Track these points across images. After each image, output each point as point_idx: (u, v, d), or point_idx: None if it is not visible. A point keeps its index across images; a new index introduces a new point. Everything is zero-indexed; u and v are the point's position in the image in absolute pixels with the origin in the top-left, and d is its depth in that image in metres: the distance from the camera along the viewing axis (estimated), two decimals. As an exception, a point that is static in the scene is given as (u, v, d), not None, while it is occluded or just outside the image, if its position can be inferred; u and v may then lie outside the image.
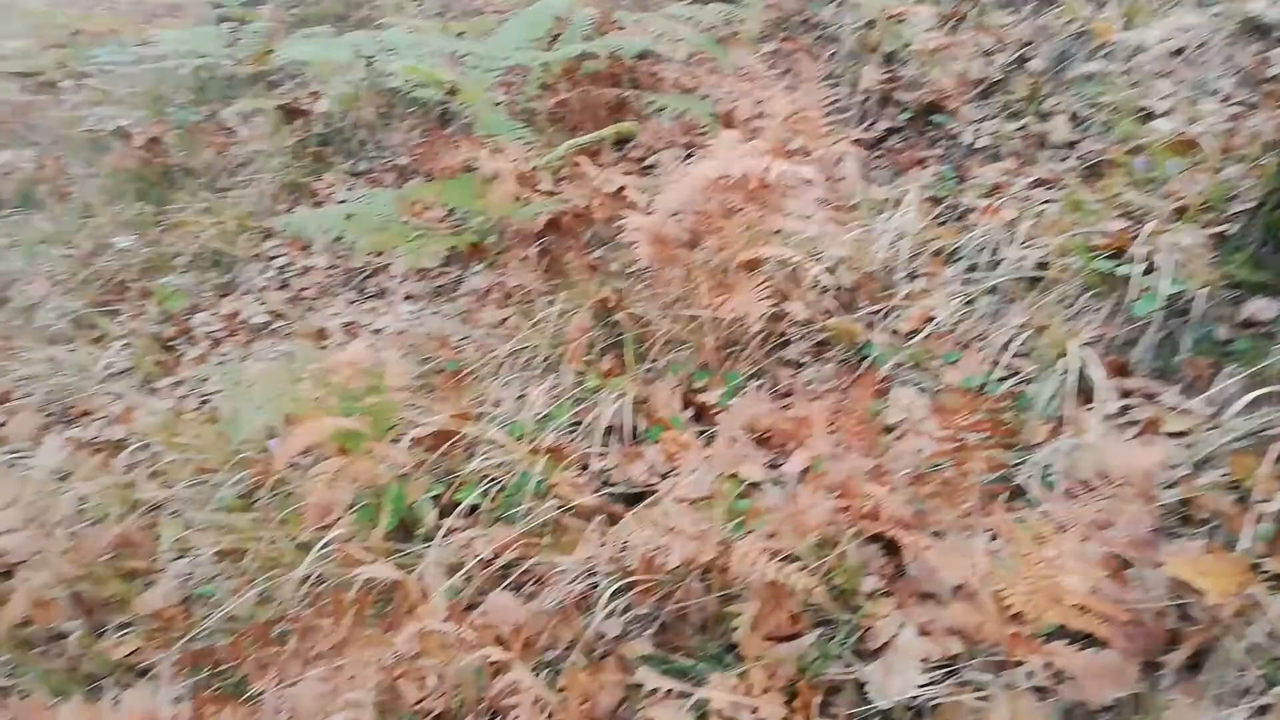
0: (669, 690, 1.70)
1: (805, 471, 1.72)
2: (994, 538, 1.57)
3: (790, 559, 1.74)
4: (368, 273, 3.79)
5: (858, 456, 1.56)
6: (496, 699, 1.61)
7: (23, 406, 3.61)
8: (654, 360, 2.56)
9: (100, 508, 2.71)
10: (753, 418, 1.90)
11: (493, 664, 1.70)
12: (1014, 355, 2.28)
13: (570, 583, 1.94)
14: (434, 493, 2.30)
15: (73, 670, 2.34)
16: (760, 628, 1.74)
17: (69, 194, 4.69)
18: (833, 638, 1.76)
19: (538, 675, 1.75)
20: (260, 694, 1.58)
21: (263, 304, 3.82)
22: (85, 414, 3.48)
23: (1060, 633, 1.53)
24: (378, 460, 2.25)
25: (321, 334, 3.44)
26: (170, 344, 3.74)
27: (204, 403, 3.33)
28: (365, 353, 2.30)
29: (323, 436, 2.10)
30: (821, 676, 1.71)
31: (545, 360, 2.64)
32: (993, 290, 2.49)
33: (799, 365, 2.46)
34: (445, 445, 2.39)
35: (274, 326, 3.70)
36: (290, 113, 4.29)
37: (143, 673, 2.29)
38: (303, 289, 3.86)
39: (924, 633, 1.74)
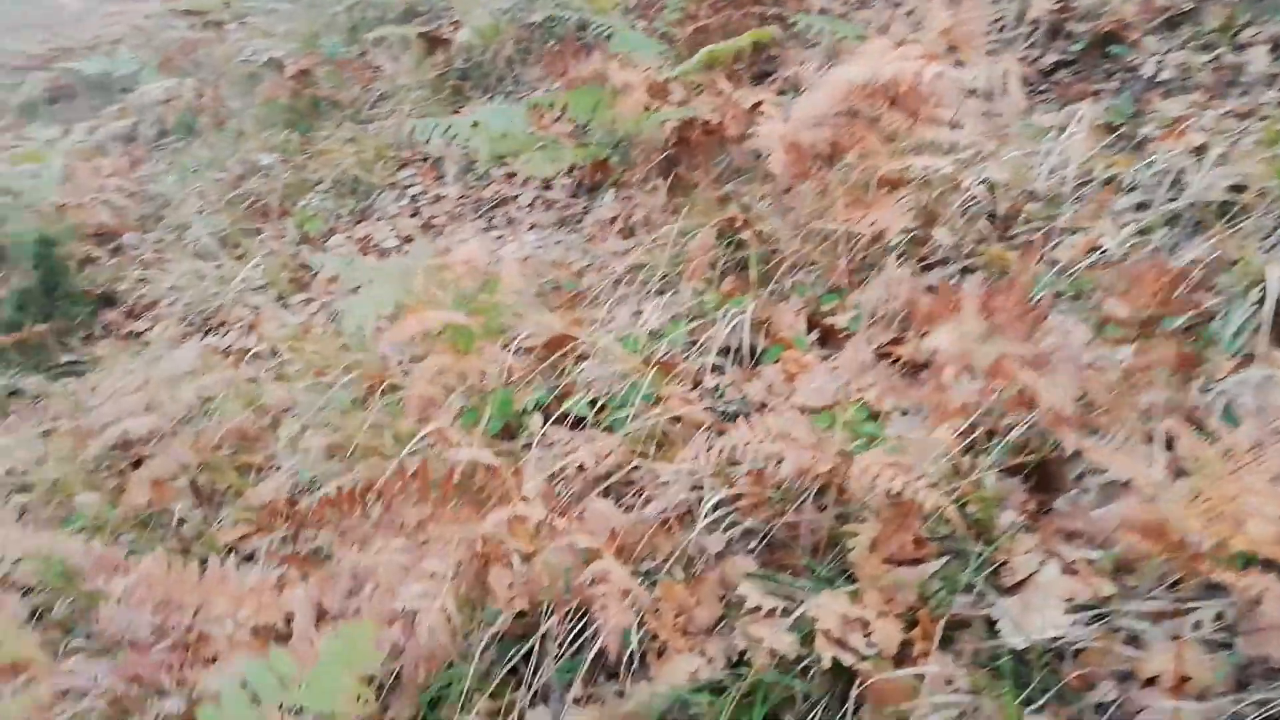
0: (772, 609, 1.55)
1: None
2: (1169, 447, 1.34)
3: (919, 478, 1.55)
4: (496, 202, 3.76)
5: (1013, 341, 1.35)
6: (584, 590, 1.50)
7: (167, 314, 3.77)
8: (779, 282, 2.39)
9: (224, 404, 2.76)
10: (891, 294, 1.71)
11: (585, 561, 1.59)
12: (1193, 288, 2.00)
13: (673, 492, 1.81)
14: (540, 399, 2.21)
15: (184, 551, 2.38)
16: (880, 549, 1.57)
17: (224, 123, 4.88)
18: (963, 568, 1.56)
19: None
20: (340, 560, 1.52)
21: (394, 230, 3.85)
22: (222, 324, 3.59)
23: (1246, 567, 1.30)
24: (487, 361, 2.18)
25: (447, 257, 3.43)
26: (306, 263, 3.82)
27: (332, 320, 3.37)
28: (481, 252, 2.24)
29: (432, 327, 2.04)
30: (946, 609, 1.52)
31: (664, 277, 2.51)
32: (1171, 221, 2.20)
33: (941, 292, 2.24)
34: (555, 355, 2.30)
35: (404, 250, 3.72)
36: (432, 42, 4.31)
37: (248, 558, 2.31)
38: (433, 217, 3.86)
39: (1069, 571, 1.52)
